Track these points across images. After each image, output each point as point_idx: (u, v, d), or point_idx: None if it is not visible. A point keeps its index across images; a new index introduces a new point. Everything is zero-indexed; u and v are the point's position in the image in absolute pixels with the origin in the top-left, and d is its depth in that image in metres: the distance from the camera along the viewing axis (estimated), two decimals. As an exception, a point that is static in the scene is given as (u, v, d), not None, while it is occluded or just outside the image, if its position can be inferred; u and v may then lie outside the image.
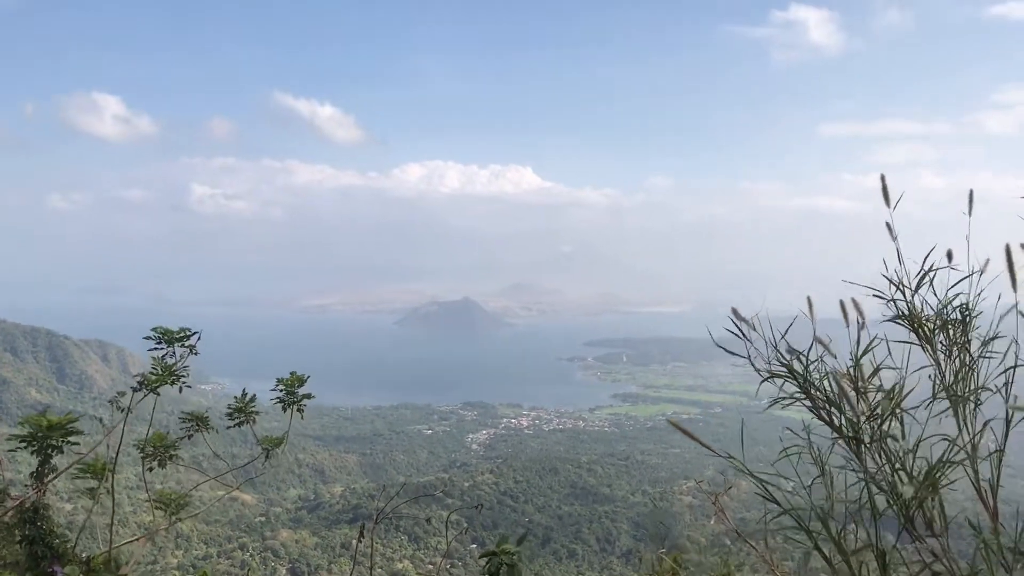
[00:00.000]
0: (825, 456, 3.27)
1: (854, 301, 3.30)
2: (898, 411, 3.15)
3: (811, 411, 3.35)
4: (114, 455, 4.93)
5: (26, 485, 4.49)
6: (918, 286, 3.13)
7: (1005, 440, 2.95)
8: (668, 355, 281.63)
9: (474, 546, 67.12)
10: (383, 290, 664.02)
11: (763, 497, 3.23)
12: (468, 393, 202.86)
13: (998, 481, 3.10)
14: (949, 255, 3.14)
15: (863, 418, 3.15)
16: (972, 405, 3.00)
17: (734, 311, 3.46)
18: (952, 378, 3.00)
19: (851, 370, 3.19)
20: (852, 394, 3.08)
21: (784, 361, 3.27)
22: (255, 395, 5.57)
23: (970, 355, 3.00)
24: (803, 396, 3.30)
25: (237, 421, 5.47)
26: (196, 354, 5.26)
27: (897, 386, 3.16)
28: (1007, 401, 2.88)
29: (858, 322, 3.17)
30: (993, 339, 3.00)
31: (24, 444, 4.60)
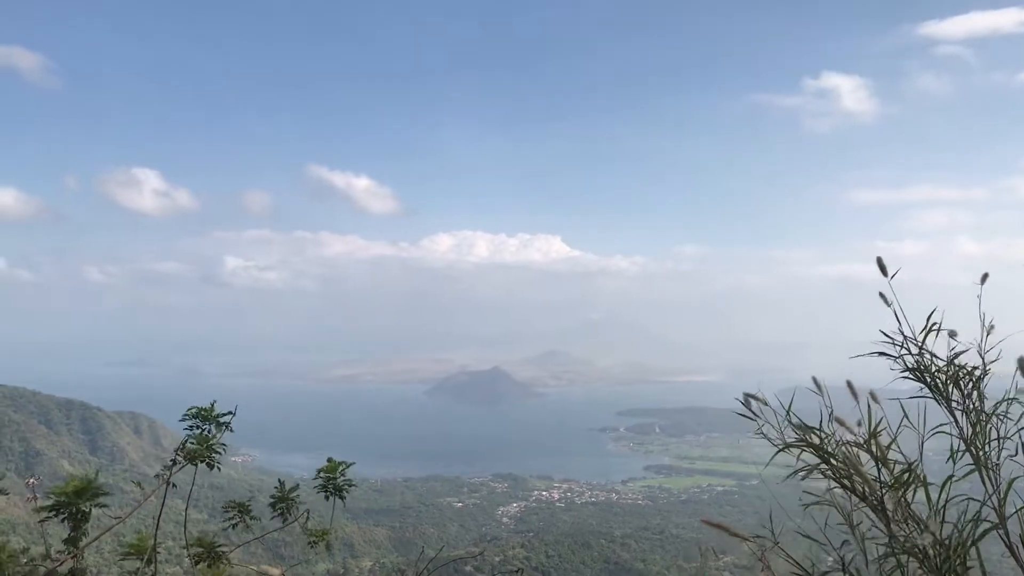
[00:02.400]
0: (853, 524, 3.26)
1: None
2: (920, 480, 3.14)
3: (834, 480, 3.37)
4: (155, 531, 4.93)
5: (59, 552, 4.46)
6: (924, 341, 3.17)
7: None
8: (702, 425, 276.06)
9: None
10: (413, 360, 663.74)
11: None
12: (498, 464, 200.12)
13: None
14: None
15: (885, 490, 3.16)
16: (994, 461, 2.98)
17: (745, 395, 3.54)
18: (971, 431, 3.00)
19: (868, 441, 3.21)
20: (868, 467, 3.10)
21: (799, 433, 3.31)
22: (298, 484, 5.61)
23: (984, 412, 2.99)
24: (822, 466, 3.32)
25: (280, 511, 5.52)
26: (231, 431, 5.25)
27: (916, 462, 3.16)
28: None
29: (869, 399, 3.20)
30: (1012, 400, 3.00)
31: (53, 513, 4.44)
